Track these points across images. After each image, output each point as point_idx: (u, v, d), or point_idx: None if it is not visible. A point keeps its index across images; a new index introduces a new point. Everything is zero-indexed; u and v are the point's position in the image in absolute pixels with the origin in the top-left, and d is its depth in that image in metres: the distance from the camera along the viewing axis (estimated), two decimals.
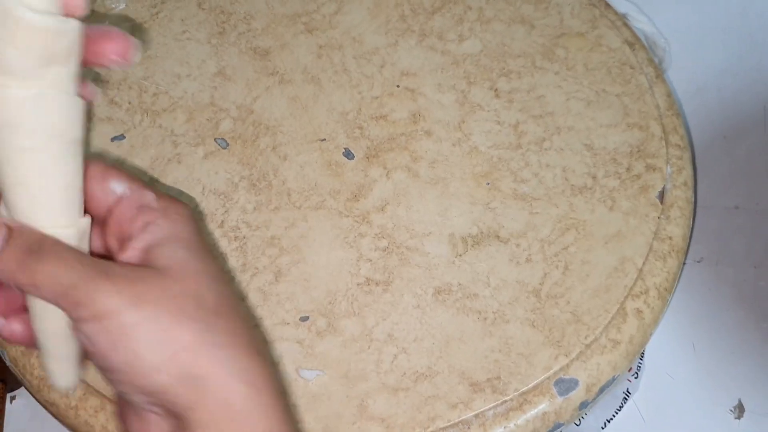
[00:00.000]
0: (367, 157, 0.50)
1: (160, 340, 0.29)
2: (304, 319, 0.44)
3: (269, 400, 0.31)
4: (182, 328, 0.30)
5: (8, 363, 0.44)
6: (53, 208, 0.30)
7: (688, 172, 0.50)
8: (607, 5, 0.57)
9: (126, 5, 0.56)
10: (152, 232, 0.32)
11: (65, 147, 0.29)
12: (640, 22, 0.62)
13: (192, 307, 0.30)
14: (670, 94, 0.53)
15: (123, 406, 0.32)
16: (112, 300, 0.29)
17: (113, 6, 0.55)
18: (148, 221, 0.32)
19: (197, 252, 0.32)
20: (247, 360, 0.31)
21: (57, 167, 0.29)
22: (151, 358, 0.29)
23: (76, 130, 0.29)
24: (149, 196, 0.33)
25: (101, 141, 0.50)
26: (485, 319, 0.43)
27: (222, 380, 0.30)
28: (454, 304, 0.44)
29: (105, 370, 0.30)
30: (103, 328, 0.29)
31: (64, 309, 0.30)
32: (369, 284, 0.45)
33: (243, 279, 0.45)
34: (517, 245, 0.46)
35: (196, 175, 0.49)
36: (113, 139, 0.50)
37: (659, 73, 0.54)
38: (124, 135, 0.50)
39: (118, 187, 0.33)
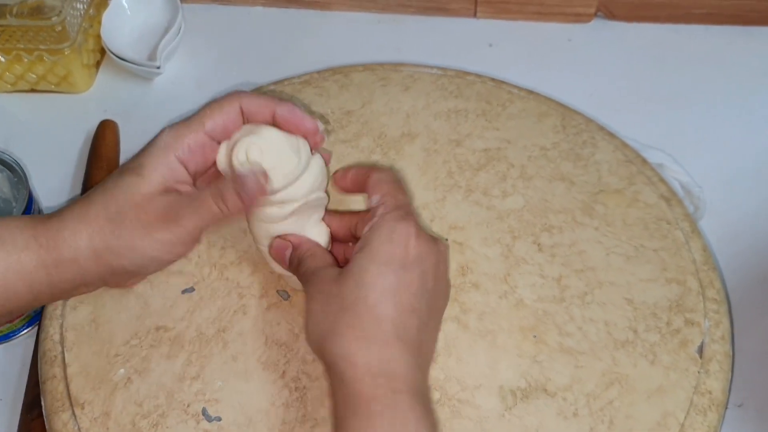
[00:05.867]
0: None
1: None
2: None
3: None
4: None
5: None
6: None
7: (725, 325, 0.52)
8: (644, 161, 0.61)
9: None
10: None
11: None
12: (675, 172, 0.65)
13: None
14: (705, 249, 0.56)
15: None
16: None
17: None
18: None
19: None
20: None
21: None
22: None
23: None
24: None
25: (173, 293, 0.54)
26: None
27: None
28: None
29: None
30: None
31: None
32: None
33: (303, 430, 0.48)
34: (564, 399, 0.48)
35: (260, 325, 0.52)
36: (184, 291, 0.54)
37: (695, 227, 0.57)
38: (194, 287, 0.54)
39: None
